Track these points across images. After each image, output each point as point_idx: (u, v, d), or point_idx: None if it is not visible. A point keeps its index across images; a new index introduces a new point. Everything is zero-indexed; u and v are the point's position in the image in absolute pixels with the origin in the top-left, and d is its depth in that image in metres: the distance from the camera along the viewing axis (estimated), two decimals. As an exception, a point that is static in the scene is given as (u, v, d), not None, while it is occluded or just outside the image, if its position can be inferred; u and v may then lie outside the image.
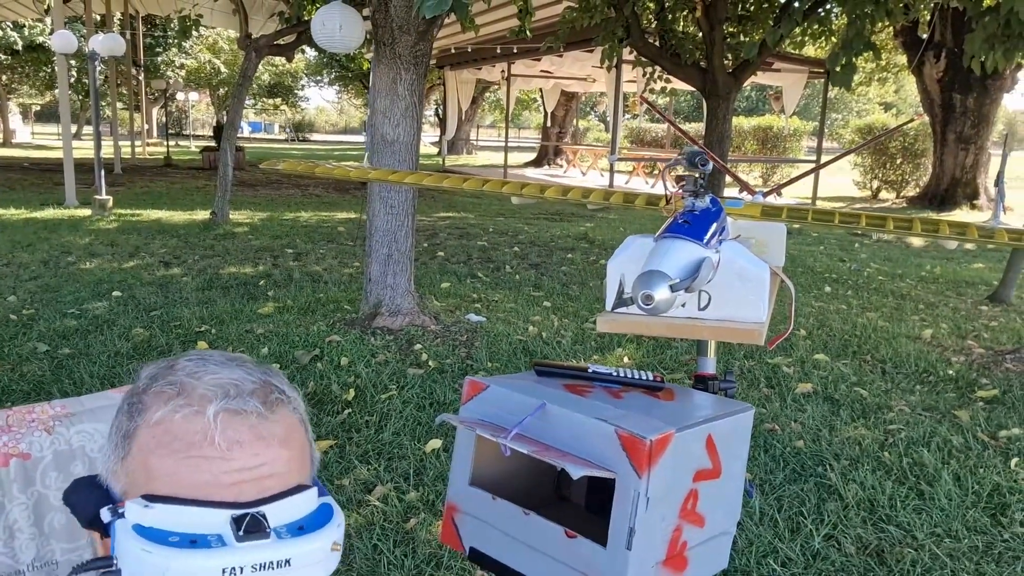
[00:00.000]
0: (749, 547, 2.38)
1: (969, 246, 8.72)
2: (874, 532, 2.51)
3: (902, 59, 15.95)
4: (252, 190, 13.19)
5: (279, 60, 29.23)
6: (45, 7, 15.24)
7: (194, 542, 0.63)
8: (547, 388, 1.12)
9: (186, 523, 0.64)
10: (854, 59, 5.81)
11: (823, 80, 12.82)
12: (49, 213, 9.41)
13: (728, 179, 9.03)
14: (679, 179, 1.40)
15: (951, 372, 4.11)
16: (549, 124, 23.38)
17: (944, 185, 13.83)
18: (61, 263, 6.36)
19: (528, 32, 6.17)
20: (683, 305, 1.38)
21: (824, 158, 14.84)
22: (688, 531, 1.02)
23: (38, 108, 42.24)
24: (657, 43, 8.77)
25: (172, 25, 21.44)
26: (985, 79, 12.17)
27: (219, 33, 31.75)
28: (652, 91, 10.00)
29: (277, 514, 0.66)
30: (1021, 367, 4.17)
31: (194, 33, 17.35)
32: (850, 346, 4.56)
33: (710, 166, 1.39)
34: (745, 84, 9.72)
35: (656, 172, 17.47)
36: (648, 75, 9.45)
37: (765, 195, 2.00)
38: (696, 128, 20.98)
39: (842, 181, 17.35)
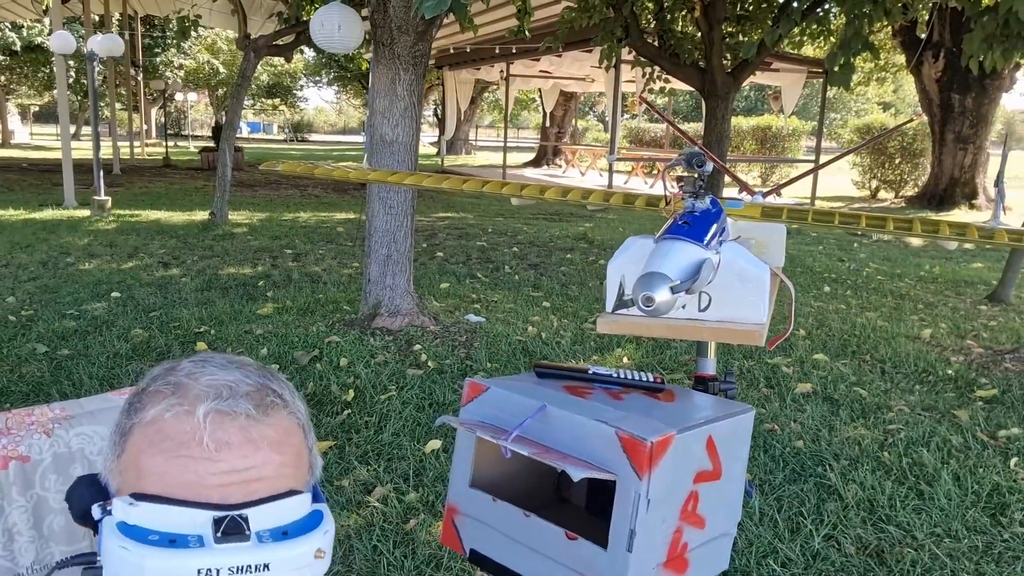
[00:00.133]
0: (749, 547, 2.38)
1: (968, 245, 8.72)
2: (874, 532, 2.51)
3: (901, 59, 15.97)
4: (251, 190, 13.19)
5: (278, 60, 29.22)
6: (44, 7, 15.23)
7: (173, 541, 0.63)
8: (547, 390, 1.12)
9: (169, 522, 0.64)
10: (852, 59, 5.81)
11: (822, 80, 12.80)
12: (48, 214, 9.40)
13: (727, 179, 9.03)
14: (679, 180, 1.40)
15: (950, 372, 4.11)
16: (548, 124, 23.38)
17: (943, 185, 13.84)
18: (60, 264, 6.35)
19: (527, 32, 6.17)
20: (683, 306, 1.38)
21: (823, 158, 14.85)
22: (689, 533, 1.02)
23: (37, 109, 42.20)
24: (656, 43, 8.77)
25: (171, 25, 21.40)
26: (983, 79, 12.19)
27: (218, 33, 31.74)
28: (651, 91, 10.00)
29: (261, 518, 0.66)
30: (1020, 367, 4.18)
31: (193, 33, 17.34)
32: (849, 346, 4.56)
33: (709, 167, 1.39)
34: (744, 84, 9.72)
35: (655, 172, 17.49)
36: (647, 75, 9.45)
37: (764, 195, 2.00)
38: (695, 128, 20.99)
39: (841, 181, 17.36)
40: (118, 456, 0.71)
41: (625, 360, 4.25)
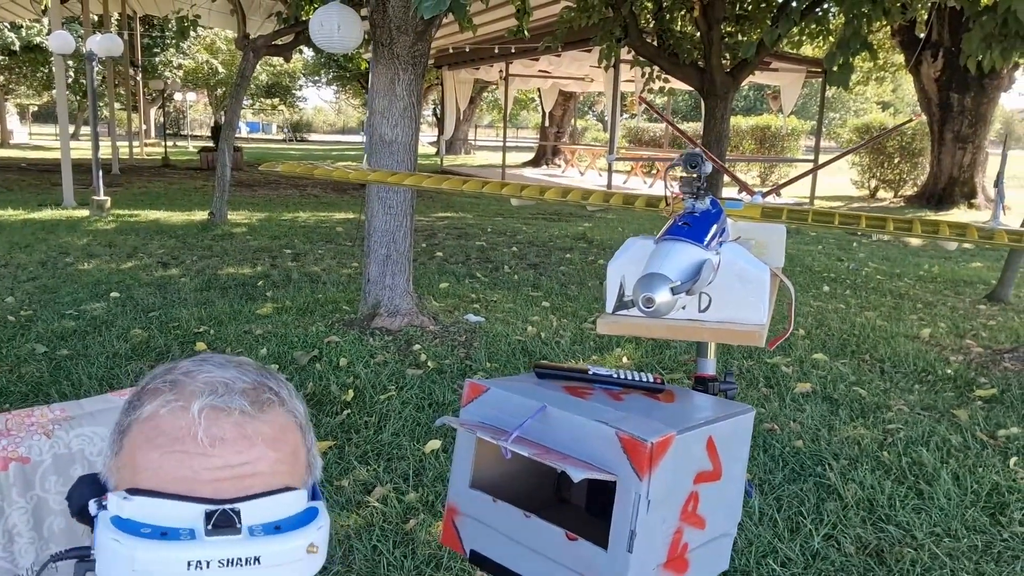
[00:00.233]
0: (749, 547, 2.38)
1: (967, 245, 8.73)
2: (873, 532, 2.51)
3: (900, 58, 15.97)
4: (250, 190, 13.18)
5: (277, 60, 29.16)
6: (43, 7, 15.22)
7: (164, 534, 0.64)
8: (547, 390, 1.12)
9: (162, 516, 0.65)
10: (851, 59, 5.81)
11: (821, 79, 12.81)
12: (47, 214, 9.40)
13: (727, 179, 9.03)
14: (679, 180, 1.40)
15: (950, 371, 4.12)
16: (547, 124, 23.39)
17: (942, 184, 13.85)
18: (59, 264, 6.35)
19: (526, 32, 6.17)
20: (683, 307, 1.38)
21: (822, 157, 14.86)
22: (689, 533, 1.02)
23: (36, 108, 42.17)
24: (655, 43, 8.77)
25: (170, 25, 21.40)
26: (982, 78, 12.20)
27: (217, 33, 31.72)
28: (650, 91, 10.00)
29: (254, 512, 0.66)
30: (1019, 366, 4.18)
31: (192, 33, 17.35)
32: (849, 345, 4.56)
33: (709, 167, 1.39)
34: (743, 84, 9.72)
35: (654, 171, 17.49)
36: (646, 75, 9.45)
37: (764, 195, 2.00)
38: (694, 128, 20.99)
39: (840, 180, 17.37)
40: (116, 453, 0.72)
41: (625, 360, 4.25)
